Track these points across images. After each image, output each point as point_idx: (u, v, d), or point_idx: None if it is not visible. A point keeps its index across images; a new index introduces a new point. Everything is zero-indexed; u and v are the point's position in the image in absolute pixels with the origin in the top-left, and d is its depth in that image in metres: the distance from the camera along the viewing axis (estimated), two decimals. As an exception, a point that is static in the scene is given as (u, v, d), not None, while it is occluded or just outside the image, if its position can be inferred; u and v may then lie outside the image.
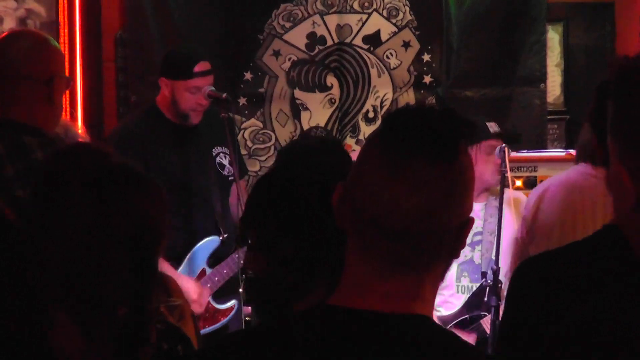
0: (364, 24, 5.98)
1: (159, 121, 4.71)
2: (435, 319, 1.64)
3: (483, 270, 4.80)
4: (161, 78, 4.72)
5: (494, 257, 4.52)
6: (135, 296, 1.98)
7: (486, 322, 4.71)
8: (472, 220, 1.58)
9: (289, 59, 5.94)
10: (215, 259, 4.70)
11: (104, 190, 1.98)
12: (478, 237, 4.95)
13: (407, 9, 6.00)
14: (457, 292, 4.99)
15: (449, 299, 4.96)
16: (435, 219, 1.53)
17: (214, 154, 4.78)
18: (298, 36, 5.94)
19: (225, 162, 4.78)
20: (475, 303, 4.84)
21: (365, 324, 1.55)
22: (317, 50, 5.96)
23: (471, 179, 1.56)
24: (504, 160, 4.88)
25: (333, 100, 5.96)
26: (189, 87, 4.63)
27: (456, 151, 1.54)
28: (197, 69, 4.65)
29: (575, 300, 1.76)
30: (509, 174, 4.87)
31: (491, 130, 5.05)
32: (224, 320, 4.73)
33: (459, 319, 4.87)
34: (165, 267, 4.24)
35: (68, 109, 5.38)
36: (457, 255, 1.59)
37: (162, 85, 4.71)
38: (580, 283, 1.77)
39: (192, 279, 4.62)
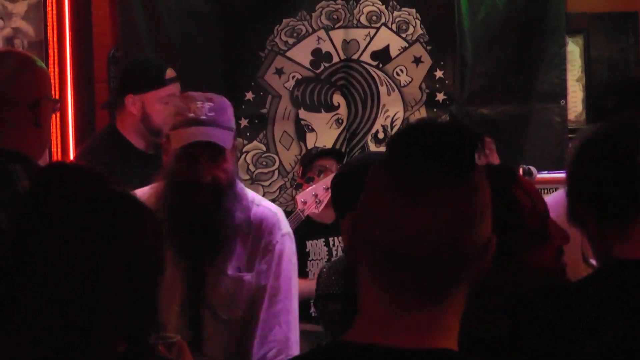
0: (372, 39, 5.96)
1: (121, 147, 4.59)
2: None
3: None
4: (127, 96, 4.53)
5: None
6: (135, 331, 1.93)
7: None
8: (494, 239, 1.57)
9: (293, 77, 5.92)
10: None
11: (97, 217, 1.93)
12: None
13: (418, 22, 5.98)
14: None
15: None
16: (458, 243, 1.53)
17: None
18: (302, 53, 5.92)
19: None
20: None
21: None
22: (322, 67, 5.94)
23: (487, 195, 1.56)
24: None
25: (340, 121, 5.93)
26: (162, 97, 4.50)
27: (470, 168, 1.54)
28: (167, 75, 4.56)
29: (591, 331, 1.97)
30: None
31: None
32: None
33: None
34: None
35: (59, 132, 5.63)
36: (481, 278, 1.58)
37: (128, 104, 4.53)
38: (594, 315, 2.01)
39: None
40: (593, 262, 2.35)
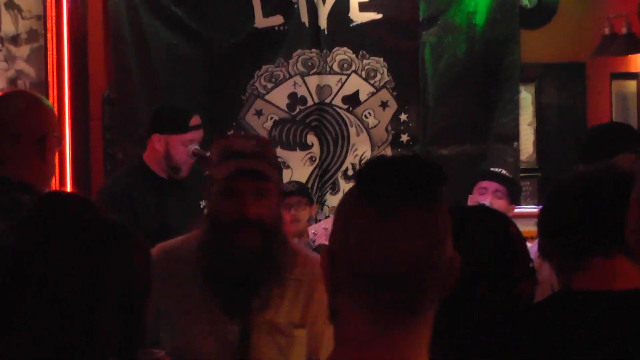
0: (343, 84, 6.11)
1: (147, 176, 4.74)
2: None
3: None
4: (154, 135, 4.74)
5: None
6: (125, 348, 1.96)
7: None
8: (457, 256, 1.60)
9: (271, 119, 6.05)
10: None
11: (92, 243, 1.95)
12: None
13: (385, 70, 6.11)
14: None
15: None
16: (431, 261, 1.55)
17: (202, 206, 4.79)
18: (279, 96, 6.05)
19: None
20: None
21: None
22: (298, 109, 6.08)
23: (448, 217, 1.60)
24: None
25: (313, 158, 6.04)
26: (185, 141, 4.69)
27: (436, 193, 1.57)
28: (192, 122, 4.75)
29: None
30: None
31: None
32: None
33: None
34: None
35: (57, 165, 5.28)
36: (451, 291, 1.60)
37: (154, 141, 4.73)
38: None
39: None
40: None
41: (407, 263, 1.53)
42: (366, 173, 1.58)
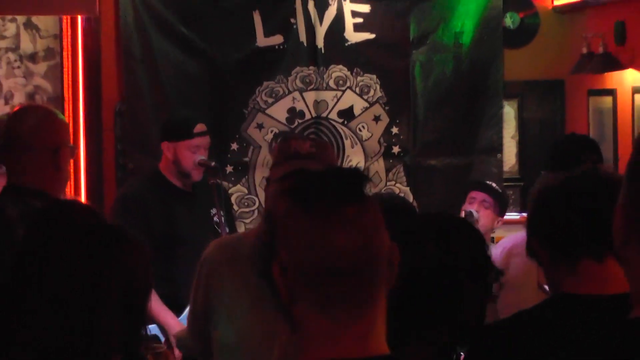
0: (338, 100, 6.25)
1: (162, 185, 4.83)
2: None
3: None
4: (163, 143, 4.86)
5: None
6: (128, 343, 1.98)
7: None
8: (395, 246, 1.63)
9: (271, 131, 6.18)
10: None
11: (94, 245, 1.97)
12: None
13: (378, 86, 6.24)
14: None
15: None
16: (375, 253, 1.59)
17: (212, 214, 4.85)
18: (279, 110, 6.18)
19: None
20: None
21: None
22: (296, 123, 6.21)
23: (380, 211, 1.65)
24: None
25: None
26: (191, 147, 4.79)
27: (362, 191, 1.63)
28: (196, 129, 4.86)
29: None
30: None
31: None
32: None
33: None
34: (161, 311, 4.47)
35: (72, 173, 5.47)
36: (394, 282, 1.63)
37: (164, 149, 4.84)
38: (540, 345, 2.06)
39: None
40: (546, 287, 2.36)
41: (350, 257, 1.56)
42: (296, 186, 1.64)
